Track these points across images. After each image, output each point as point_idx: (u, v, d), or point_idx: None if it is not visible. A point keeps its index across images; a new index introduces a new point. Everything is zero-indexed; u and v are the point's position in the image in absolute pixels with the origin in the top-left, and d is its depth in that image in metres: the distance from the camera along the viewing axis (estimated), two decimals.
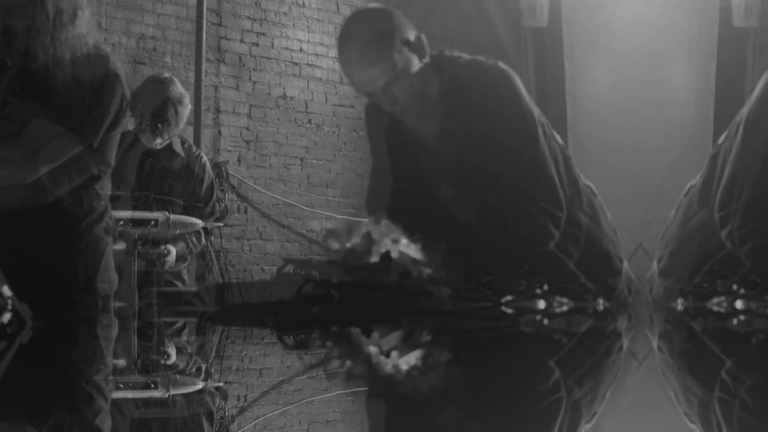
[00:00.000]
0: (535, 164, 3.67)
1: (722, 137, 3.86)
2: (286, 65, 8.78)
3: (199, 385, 2.32)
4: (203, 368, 2.62)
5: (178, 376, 2.45)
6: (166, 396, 2.16)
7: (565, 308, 3.68)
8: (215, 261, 7.97)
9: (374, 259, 3.71)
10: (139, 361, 2.76)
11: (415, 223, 3.76)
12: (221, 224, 6.58)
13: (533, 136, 3.67)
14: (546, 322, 3.60)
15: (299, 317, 3.54)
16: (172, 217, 4.55)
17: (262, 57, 8.63)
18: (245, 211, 8.54)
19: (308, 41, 8.94)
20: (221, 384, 2.35)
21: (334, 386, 2.36)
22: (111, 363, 2.72)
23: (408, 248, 3.75)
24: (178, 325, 3.94)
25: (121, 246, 4.62)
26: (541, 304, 3.66)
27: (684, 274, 3.85)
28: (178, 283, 5.43)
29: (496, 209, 3.68)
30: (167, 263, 5.11)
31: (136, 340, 3.29)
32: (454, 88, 3.67)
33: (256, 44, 8.60)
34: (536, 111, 3.78)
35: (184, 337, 3.50)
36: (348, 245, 3.70)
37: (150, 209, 4.78)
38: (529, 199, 3.66)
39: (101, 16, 7.57)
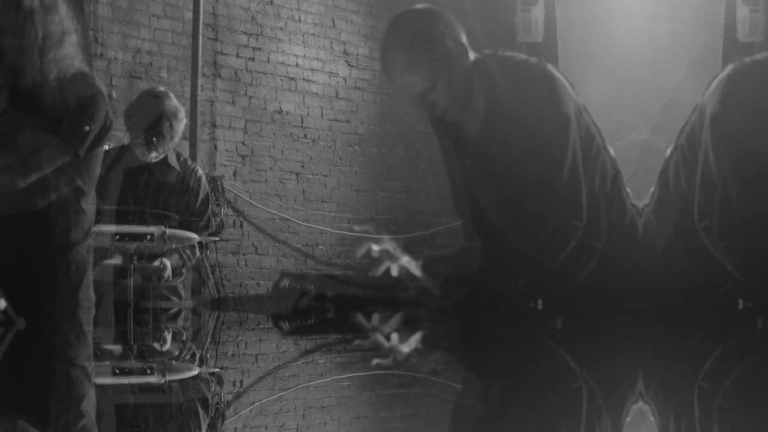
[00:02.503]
0: (558, 175, 3.63)
1: (669, 150, 3.82)
2: (282, 80, 8.79)
3: (195, 371, 2.33)
4: (199, 355, 2.62)
5: (174, 362, 2.45)
6: (163, 382, 2.16)
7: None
8: (211, 275, 7.96)
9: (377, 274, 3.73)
10: (135, 346, 2.76)
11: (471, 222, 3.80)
12: (217, 238, 6.58)
13: (562, 146, 3.63)
14: None
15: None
16: (168, 231, 4.55)
17: (258, 72, 8.64)
18: (241, 226, 8.53)
19: (304, 56, 8.95)
20: (217, 370, 2.35)
21: (329, 372, 2.36)
22: (105, 348, 2.72)
23: (409, 265, 3.76)
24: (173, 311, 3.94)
25: (116, 261, 4.62)
26: None
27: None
28: (174, 298, 5.42)
29: (523, 215, 3.66)
30: (163, 278, 5.11)
31: (132, 326, 3.29)
32: (499, 91, 3.66)
33: (252, 59, 8.61)
34: (583, 121, 3.72)
35: (180, 323, 3.50)
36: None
37: (146, 223, 4.78)
38: (546, 210, 3.63)
39: (98, 30, 7.58)
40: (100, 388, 2.08)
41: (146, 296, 4.75)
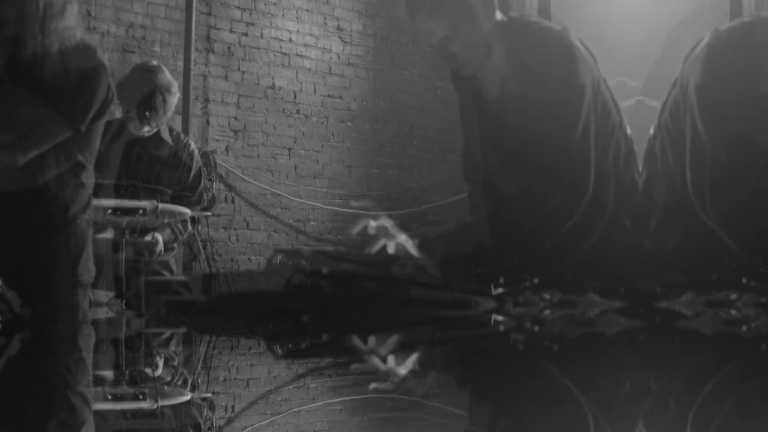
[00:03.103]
0: (567, 146, 3.63)
1: (652, 129, 3.82)
2: (275, 55, 8.77)
3: (187, 396, 2.32)
4: (190, 379, 2.61)
5: (165, 387, 2.44)
6: (155, 407, 2.15)
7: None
8: (202, 250, 7.95)
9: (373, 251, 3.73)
10: (127, 372, 2.75)
11: (481, 187, 3.79)
12: (209, 213, 6.57)
13: (574, 117, 3.62)
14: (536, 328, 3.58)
15: (291, 308, 3.53)
16: (160, 205, 4.54)
17: (251, 47, 8.61)
18: (233, 201, 8.53)
19: (297, 31, 8.93)
20: (209, 395, 2.34)
21: (321, 396, 2.35)
22: (102, 373, 2.71)
23: (406, 243, 3.76)
24: (166, 335, 3.93)
25: (108, 235, 4.61)
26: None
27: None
28: (166, 273, 5.42)
29: (531, 184, 3.67)
30: (155, 252, 5.10)
31: (123, 351, 3.28)
32: (518, 53, 3.67)
33: (246, 34, 8.58)
34: (600, 96, 3.72)
35: (172, 348, 3.49)
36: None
37: (138, 198, 4.77)
38: (553, 180, 3.63)
39: (91, 4, 7.54)
40: (95, 414, 2.07)
41: (138, 270, 4.74)
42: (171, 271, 5.52)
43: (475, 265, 3.70)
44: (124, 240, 4.46)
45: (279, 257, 3.82)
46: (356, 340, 3.34)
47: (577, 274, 3.69)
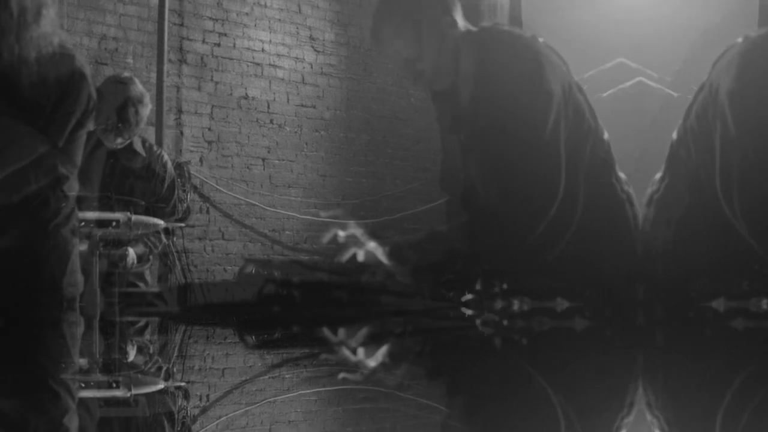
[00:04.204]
0: (539, 147, 3.66)
1: (675, 134, 3.85)
2: (248, 66, 8.78)
3: (161, 385, 2.33)
4: (165, 368, 2.62)
5: (140, 375, 2.45)
6: (129, 396, 2.17)
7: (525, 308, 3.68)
8: (177, 261, 7.95)
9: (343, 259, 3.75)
10: (101, 360, 2.76)
11: (461, 196, 3.82)
12: (183, 224, 6.58)
13: (542, 122, 3.65)
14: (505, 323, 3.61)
15: (261, 318, 3.55)
16: (134, 217, 4.54)
17: (224, 57, 8.63)
18: (207, 212, 8.53)
19: (270, 41, 8.95)
20: (183, 384, 2.36)
21: (296, 386, 2.37)
22: (77, 361, 2.72)
23: (376, 251, 3.78)
24: (141, 324, 3.94)
25: (83, 247, 4.62)
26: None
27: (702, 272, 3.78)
28: (141, 284, 5.42)
29: (506, 191, 3.69)
30: (128, 264, 5.11)
31: (99, 339, 3.29)
32: (487, 63, 3.70)
33: (218, 45, 8.59)
34: (572, 100, 3.74)
35: (147, 337, 3.50)
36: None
37: (111, 210, 4.78)
38: (526, 185, 3.66)
39: (63, 17, 7.54)
40: (71, 402, 2.09)
41: (112, 282, 4.75)
42: (146, 283, 5.53)
43: (446, 272, 3.73)
44: (98, 252, 4.47)
45: (251, 267, 3.83)
46: (326, 332, 3.37)
47: (549, 277, 3.72)
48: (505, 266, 3.75)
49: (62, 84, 3.52)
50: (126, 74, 5.57)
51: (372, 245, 3.76)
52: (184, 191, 7.84)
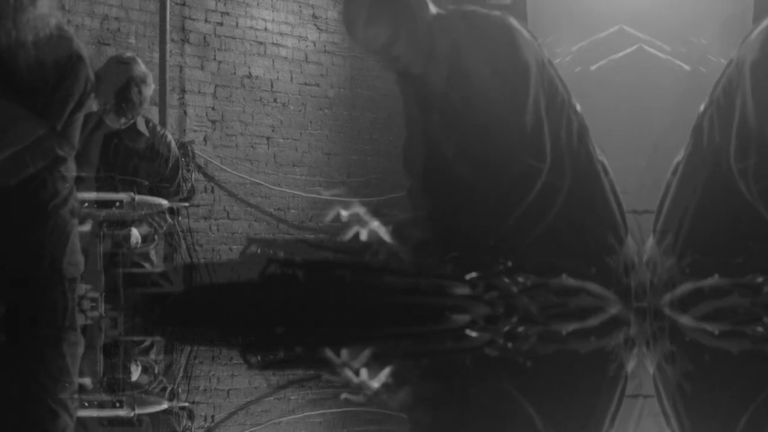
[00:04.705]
0: (520, 120, 3.68)
1: (702, 106, 3.88)
2: (251, 45, 8.76)
3: (165, 405, 2.32)
4: (170, 388, 2.62)
5: (144, 395, 2.45)
6: (132, 415, 2.16)
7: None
8: (182, 241, 7.95)
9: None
10: (105, 380, 2.75)
11: (422, 181, 3.82)
12: (188, 204, 6.58)
13: (523, 93, 3.68)
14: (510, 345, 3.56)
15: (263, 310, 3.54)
16: (137, 197, 4.55)
17: (226, 37, 8.60)
18: (212, 191, 8.53)
19: (273, 20, 8.92)
20: (188, 404, 2.35)
21: (301, 407, 2.36)
22: (78, 381, 2.72)
23: (379, 229, 3.78)
24: (146, 344, 3.93)
25: (86, 228, 4.62)
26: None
27: (711, 247, 3.76)
28: (146, 264, 5.43)
29: (490, 164, 3.71)
30: (132, 245, 5.11)
31: (101, 359, 3.28)
32: (460, 43, 3.71)
33: (221, 24, 8.57)
34: (546, 73, 3.77)
35: (152, 357, 3.49)
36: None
37: (115, 190, 4.78)
38: (510, 155, 3.67)
39: None
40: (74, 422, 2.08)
41: (116, 263, 4.75)
42: (151, 263, 5.53)
43: (449, 249, 3.73)
44: (101, 233, 4.47)
45: (254, 247, 3.83)
46: (329, 353, 3.35)
47: (543, 250, 3.73)
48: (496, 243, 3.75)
49: (60, 67, 3.53)
50: (128, 54, 5.56)
51: (375, 224, 3.76)
52: (188, 171, 7.83)
